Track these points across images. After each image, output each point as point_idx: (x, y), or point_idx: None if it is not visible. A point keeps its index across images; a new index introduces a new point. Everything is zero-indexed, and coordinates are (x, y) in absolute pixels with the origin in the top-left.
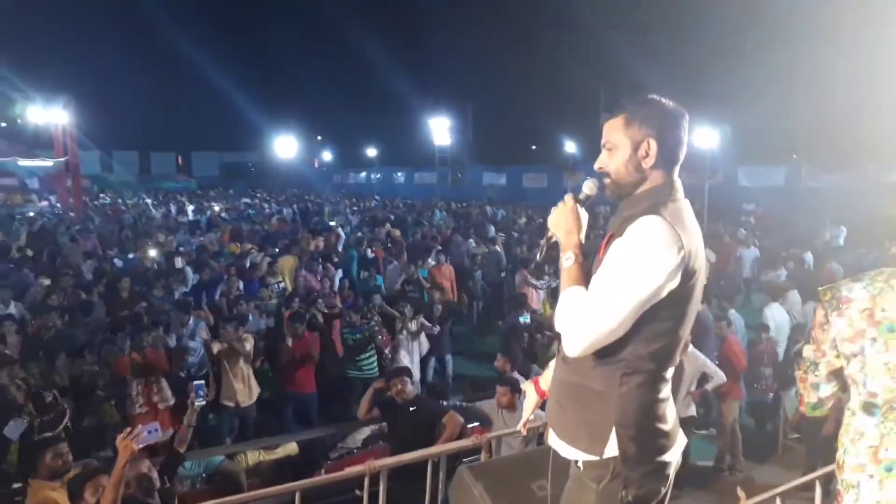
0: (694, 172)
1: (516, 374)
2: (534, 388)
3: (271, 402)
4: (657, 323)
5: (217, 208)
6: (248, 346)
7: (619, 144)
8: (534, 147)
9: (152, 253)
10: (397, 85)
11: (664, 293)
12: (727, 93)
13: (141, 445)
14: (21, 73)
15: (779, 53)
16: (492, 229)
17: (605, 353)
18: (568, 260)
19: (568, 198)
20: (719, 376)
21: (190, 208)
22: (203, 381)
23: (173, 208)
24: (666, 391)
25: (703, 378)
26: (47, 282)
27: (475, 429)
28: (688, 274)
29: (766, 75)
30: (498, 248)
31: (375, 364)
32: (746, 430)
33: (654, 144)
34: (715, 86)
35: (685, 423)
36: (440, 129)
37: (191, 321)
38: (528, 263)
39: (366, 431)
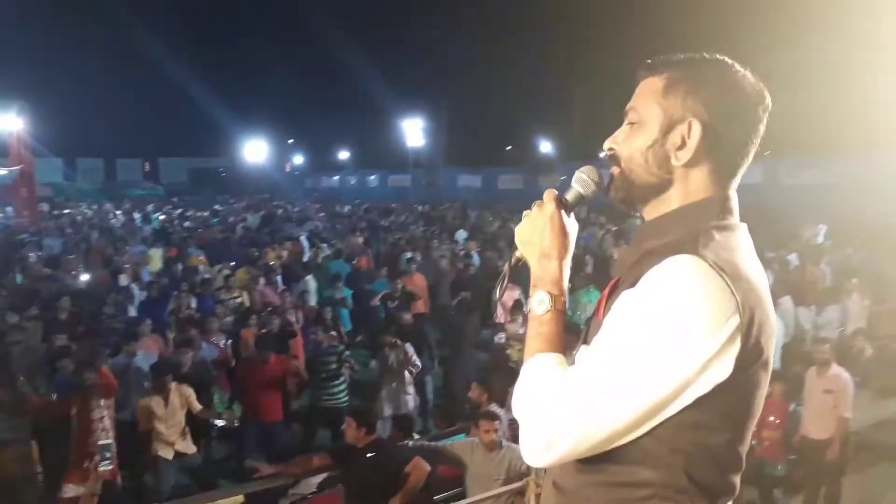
0: None
1: (494, 406)
2: None
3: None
4: (700, 433)
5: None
6: (184, 394)
7: (646, 118)
8: (509, 148)
9: (83, 275)
10: (370, 86)
11: (702, 388)
12: None
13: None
14: None
15: (751, 47)
16: (463, 234)
17: (613, 473)
18: (540, 304)
19: (547, 198)
20: None
21: (155, 215)
22: (110, 441)
23: (137, 216)
24: None
25: None
26: None
27: (445, 470)
28: (749, 353)
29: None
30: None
31: (346, 392)
32: None
33: (697, 130)
34: None
35: None
36: (413, 131)
37: (138, 355)
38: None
39: (322, 474)
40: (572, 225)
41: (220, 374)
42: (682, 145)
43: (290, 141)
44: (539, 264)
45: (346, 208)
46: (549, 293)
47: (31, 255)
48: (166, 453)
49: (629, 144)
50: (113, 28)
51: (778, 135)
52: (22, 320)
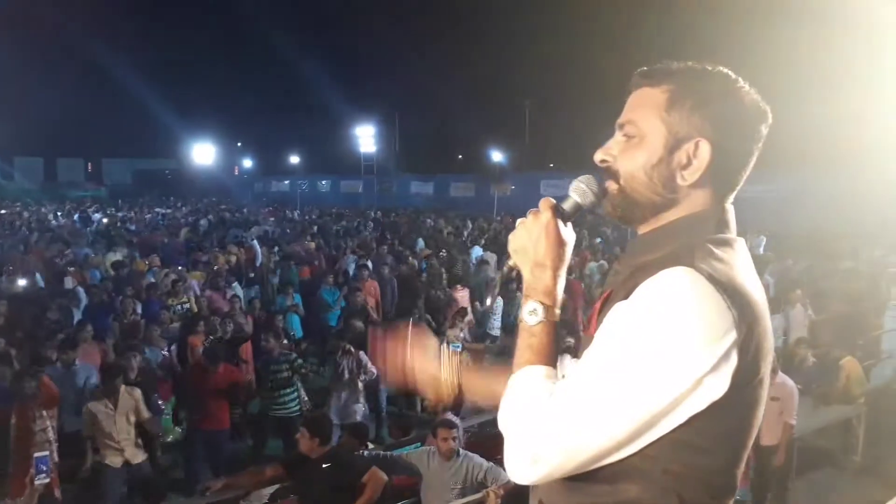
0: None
1: (450, 414)
2: None
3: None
4: (695, 454)
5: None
6: (134, 397)
7: (648, 134)
8: (460, 157)
9: (20, 280)
10: (321, 91)
11: (697, 405)
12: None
13: None
14: None
15: (695, 57)
16: (420, 242)
17: (602, 494)
18: (532, 315)
19: (543, 206)
20: None
21: (96, 216)
22: (46, 454)
23: (76, 217)
24: None
25: None
26: None
27: (401, 480)
28: (746, 371)
29: None
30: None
31: (297, 400)
32: None
33: (706, 150)
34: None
35: None
36: (365, 138)
37: (77, 365)
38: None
39: (273, 486)
40: (569, 235)
41: (162, 381)
42: (688, 164)
43: (239, 144)
44: (532, 274)
45: (296, 213)
46: (542, 303)
47: None
48: (114, 461)
49: (631, 161)
50: (57, 23)
51: None
52: None
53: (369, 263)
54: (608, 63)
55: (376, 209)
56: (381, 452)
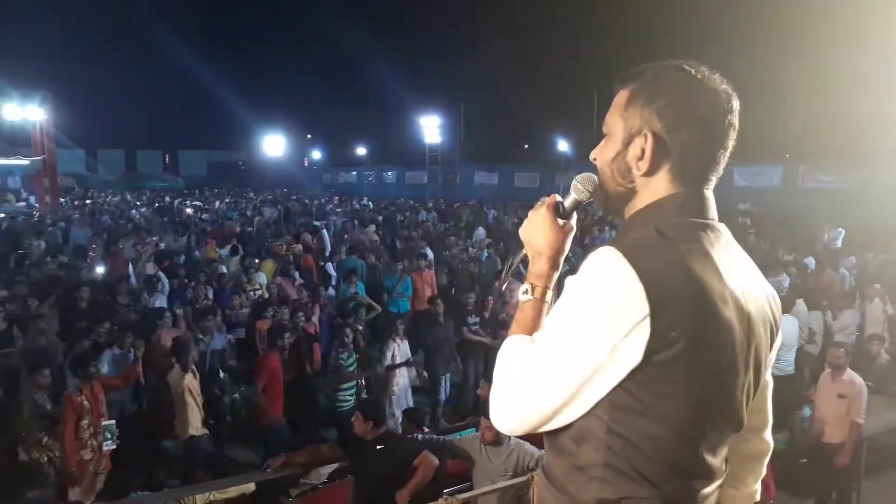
0: None
1: None
2: None
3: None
4: (635, 419)
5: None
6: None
7: (613, 131)
8: (526, 146)
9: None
10: (388, 83)
11: (618, 370)
12: None
13: None
14: None
15: (774, 51)
16: (482, 232)
17: (571, 455)
18: (525, 294)
19: (545, 201)
20: None
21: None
22: (113, 422)
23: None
24: None
25: None
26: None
27: (455, 466)
28: (666, 346)
29: (762, 72)
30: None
31: (354, 393)
32: None
33: (651, 140)
34: None
35: None
36: (431, 128)
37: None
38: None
39: (332, 465)
40: (569, 227)
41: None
42: (642, 156)
43: (309, 136)
44: (532, 260)
45: (367, 201)
46: (534, 284)
47: (37, 244)
48: (190, 430)
49: (602, 157)
50: (136, 23)
51: (798, 139)
52: (40, 307)
53: (429, 252)
54: (674, 48)
55: (440, 200)
56: (434, 437)
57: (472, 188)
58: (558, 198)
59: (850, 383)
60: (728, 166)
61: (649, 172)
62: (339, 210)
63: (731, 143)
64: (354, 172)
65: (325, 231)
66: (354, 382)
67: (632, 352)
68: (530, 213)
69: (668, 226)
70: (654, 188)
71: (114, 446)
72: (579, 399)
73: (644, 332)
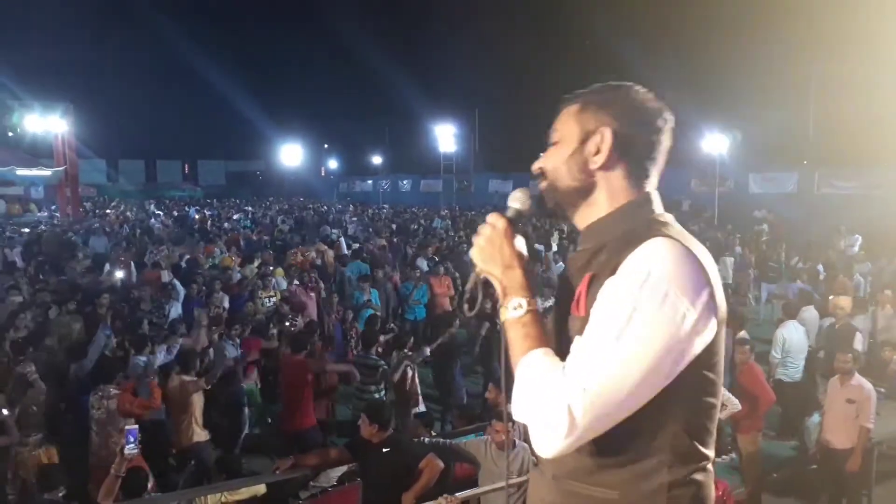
0: (704, 179)
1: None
2: None
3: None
4: (697, 394)
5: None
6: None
7: (566, 135)
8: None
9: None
10: (403, 93)
11: (696, 350)
12: (737, 98)
13: None
14: (20, 81)
15: (790, 58)
16: None
17: (621, 451)
18: (517, 310)
19: (495, 217)
20: (733, 403)
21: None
22: (136, 427)
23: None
24: None
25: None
26: (19, 298)
27: (463, 470)
28: (719, 318)
29: (777, 80)
30: None
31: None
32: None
33: (608, 135)
34: (725, 91)
35: None
36: (445, 137)
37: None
38: None
39: (342, 468)
40: (519, 240)
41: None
42: (598, 151)
43: (325, 146)
44: (505, 275)
45: (369, 211)
46: (523, 298)
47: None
48: (201, 437)
49: (554, 159)
50: (155, 35)
51: (814, 145)
52: (62, 314)
53: (424, 265)
54: (690, 57)
55: (455, 207)
56: (440, 440)
57: (487, 196)
58: (499, 214)
59: (859, 388)
60: (743, 173)
61: (606, 167)
62: (353, 219)
63: (666, 153)
64: (370, 181)
65: (342, 239)
66: (382, 385)
67: (708, 329)
68: (483, 238)
69: (657, 221)
70: (614, 184)
71: (136, 451)
72: (653, 388)
73: (712, 309)
